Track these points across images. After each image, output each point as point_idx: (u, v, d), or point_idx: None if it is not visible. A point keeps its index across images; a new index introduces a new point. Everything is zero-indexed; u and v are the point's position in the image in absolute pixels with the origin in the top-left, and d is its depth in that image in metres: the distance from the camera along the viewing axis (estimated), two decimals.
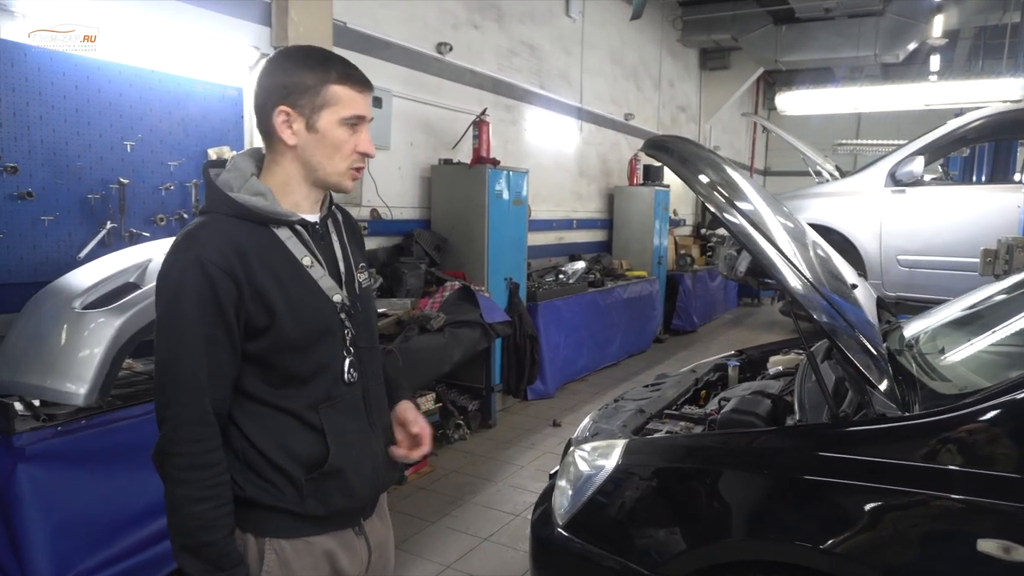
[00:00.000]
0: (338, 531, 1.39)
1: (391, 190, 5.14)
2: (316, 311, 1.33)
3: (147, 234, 3.28)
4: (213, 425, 1.24)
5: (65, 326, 2.45)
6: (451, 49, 5.64)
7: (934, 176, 6.72)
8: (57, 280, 2.70)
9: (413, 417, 1.51)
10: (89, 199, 3.12)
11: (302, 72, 1.29)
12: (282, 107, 1.29)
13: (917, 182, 5.20)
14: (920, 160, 5.17)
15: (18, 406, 2.32)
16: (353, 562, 1.42)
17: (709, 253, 5.73)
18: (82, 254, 3.06)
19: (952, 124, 5.27)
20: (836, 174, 6.62)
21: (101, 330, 2.41)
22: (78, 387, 2.35)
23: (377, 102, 4.66)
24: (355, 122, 1.33)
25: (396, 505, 3.74)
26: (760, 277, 5.22)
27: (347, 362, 1.38)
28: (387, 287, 4.74)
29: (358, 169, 1.37)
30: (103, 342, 2.40)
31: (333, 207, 1.47)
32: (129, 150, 3.28)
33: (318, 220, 1.39)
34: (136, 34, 3.30)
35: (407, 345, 3.94)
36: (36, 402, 2.38)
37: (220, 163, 1.37)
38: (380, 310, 4.28)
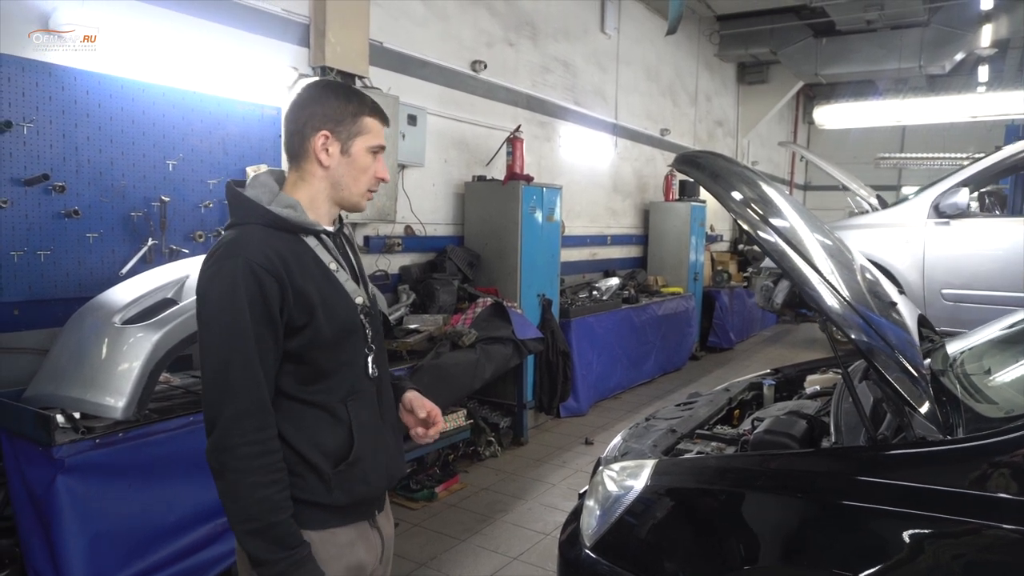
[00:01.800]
0: (357, 522, 1.49)
1: (425, 207, 5.19)
2: (345, 311, 1.45)
3: (186, 251, 3.37)
4: (271, 413, 1.33)
5: (106, 340, 2.52)
6: (485, 67, 5.69)
7: (983, 191, 6.46)
8: (99, 295, 2.78)
9: (420, 403, 1.62)
10: (132, 216, 3.22)
11: (343, 102, 1.44)
12: (323, 131, 1.43)
13: (962, 214, 5.01)
14: (965, 192, 4.99)
15: (59, 418, 2.37)
16: (370, 553, 1.52)
17: (746, 284, 5.63)
18: (124, 270, 3.15)
19: (1000, 154, 5.07)
20: (877, 205, 6.42)
21: (139, 345, 2.47)
22: (116, 400, 2.41)
23: (412, 120, 4.72)
24: (378, 151, 1.49)
25: (426, 522, 3.74)
26: (797, 309, 5.12)
27: (370, 358, 1.50)
28: (420, 303, 4.77)
29: (372, 192, 1.52)
30: (141, 356, 2.45)
31: (343, 225, 1.58)
32: (171, 169, 3.38)
33: (334, 232, 1.52)
34: (179, 56, 3.41)
35: (438, 361, 3.95)
36: (76, 415, 2.44)
37: (240, 183, 1.47)
38: (412, 326, 4.31)
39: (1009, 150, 5.07)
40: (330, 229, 1.49)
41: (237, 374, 1.29)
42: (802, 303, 4.95)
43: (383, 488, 1.55)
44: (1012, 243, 4.91)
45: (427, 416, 1.60)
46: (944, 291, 5.09)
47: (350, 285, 1.48)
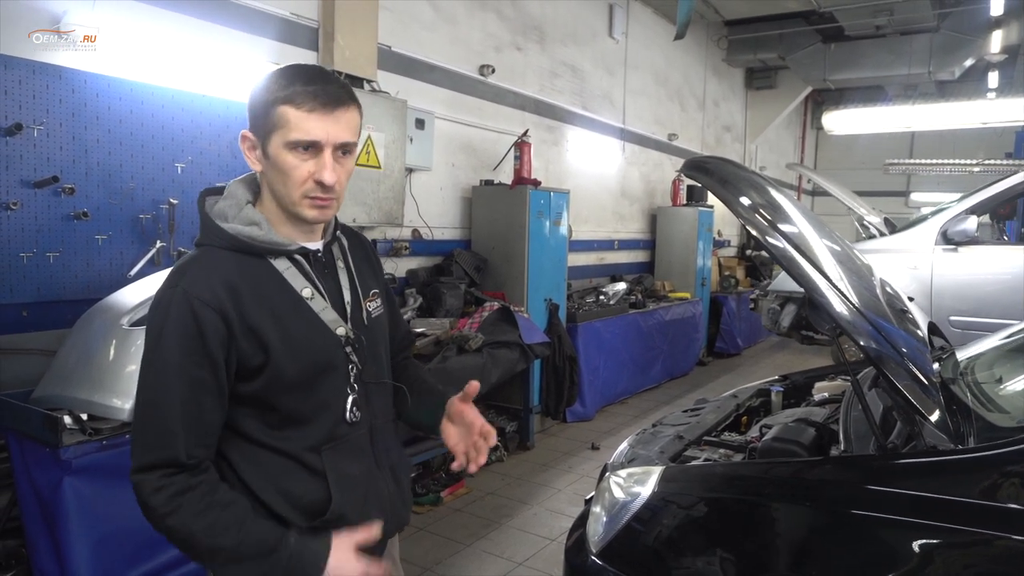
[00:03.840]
0: None
1: (432, 210, 5.19)
2: (317, 347, 1.25)
3: None
4: (183, 470, 1.14)
5: (113, 342, 2.52)
6: (493, 71, 5.69)
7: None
8: (107, 297, 2.79)
9: (472, 416, 1.39)
10: (140, 219, 3.23)
11: (261, 93, 1.20)
12: (244, 131, 1.24)
13: (970, 241, 4.99)
14: (973, 219, 4.97)
15: (67, 420, 2.38)
16: None
17: (752, 307, 5.65)
18: (132, 272, 3.16)
19: (1008, 183, 5.04)
20: (884, 230, 6.36)
21: None
22: (123, 402, 2.42)
23: (420, 124, 4.73)
24: (308, 147, 1.19)
25: (431, 527, 3.73)
26: (804, 331, 5.11)
27: (349, 400, 1.30)
28: (426, 307, 4.77)
29: (317, 199, 1.22)
30: None
31: (338, 233, 1.38)
32: (179, 172, 3.39)
33: (320, 248, 1.32)
34: (188, 60, 3.43)
35: (445, 365, 3.94)
36: (84, 416, 2.45)
37: (218, 190, 1.31)
38: (419, 330, 4.31)
39: (1016, 178, 5.04)
40: (312, 246, 1.29)
41: (155, 421, 1.14)
42: (808, 326, 4.99)
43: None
44: (1020, 270, 4.87)
45: (483, 431, 1.37)
46: (952, 318, 5.05)
47: (328, 314, 1.27)
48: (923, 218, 5.44)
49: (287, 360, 1.20)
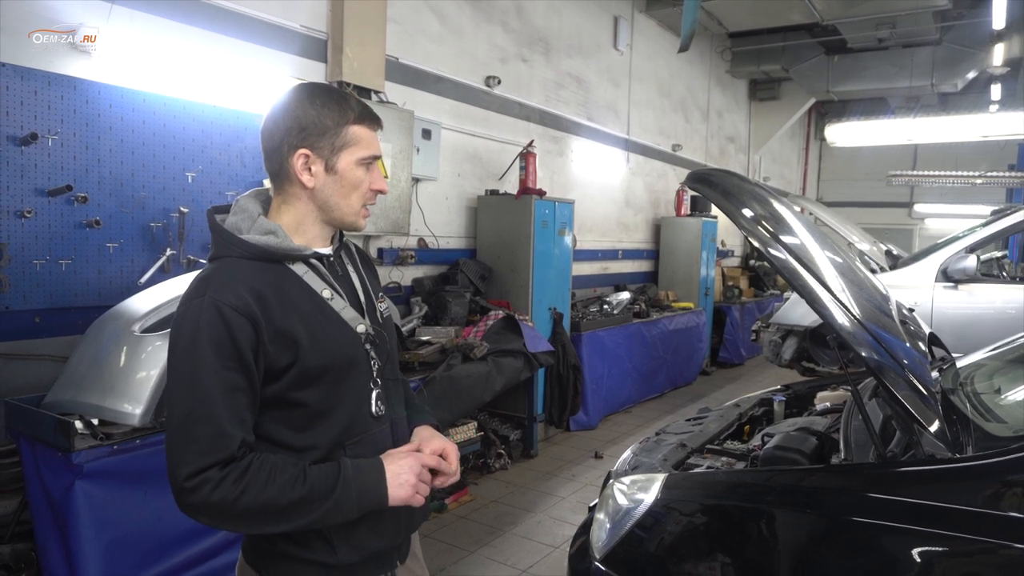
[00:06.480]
0: None
1: (438, 220, 5.23)
2: (341, 343, 1.30)
3: (204, 261, 3.42)
4: (235, 460, 1.16)
5: (124, 348, 2.56)
6: (499, 82, 5.75)
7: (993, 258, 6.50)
8: (119, 304, 2.83)
9: (428, 442, 1.39)
10: (151, 227, 3.28)
11: (321, 112, 1.28)
12: (302, 150, 1.27)
13: (970, 279, 5.04)
14: (973, 257, 5.03)
15: (78, 424, 2.42)
16: None
17: (754, 338, 5.73)
18: (143, 279, 3.20)
19: (1007, 221, 5.10)
20: (884, 264, 6.39)
21: (157, 353, 2.52)
22: (134, 408, 2.45)
23: (426, 134, 4.78)
24: (371, 161, 1.33)
25: (435, 533, 3.75)
26: (805, 363, 5.15)
27: (374, 395, 1.35)
28: (432, 315, 4.80)
29: (368, 207, 1.37)
30: (159, 364, 2.49)
31: (345, 239, 1.45)
32: (190, 181, 3.44)
33: (331, 253, 1.38)
34: (199, 71, 3.49)
35: (450, 373, 3.97)
36: (95, 421, 2.49)
37: (224, 208, 1.36)
38: (424, 338, 4.34)
39: (1015, 218, 5.08)
40: (324, 251, 1.35)
41: (200, 426, 1.14)
42: (809, 358, 5.02)
43: (402, 537, 1.42)
44: (1020, 308, 4.89)
45: (447, 456, 1.38)
46: (953, 355, 5.07)
47: (348, 313, 1.32)
48: (924, 253, 5.49)
49: (314, 357, 1.24)
